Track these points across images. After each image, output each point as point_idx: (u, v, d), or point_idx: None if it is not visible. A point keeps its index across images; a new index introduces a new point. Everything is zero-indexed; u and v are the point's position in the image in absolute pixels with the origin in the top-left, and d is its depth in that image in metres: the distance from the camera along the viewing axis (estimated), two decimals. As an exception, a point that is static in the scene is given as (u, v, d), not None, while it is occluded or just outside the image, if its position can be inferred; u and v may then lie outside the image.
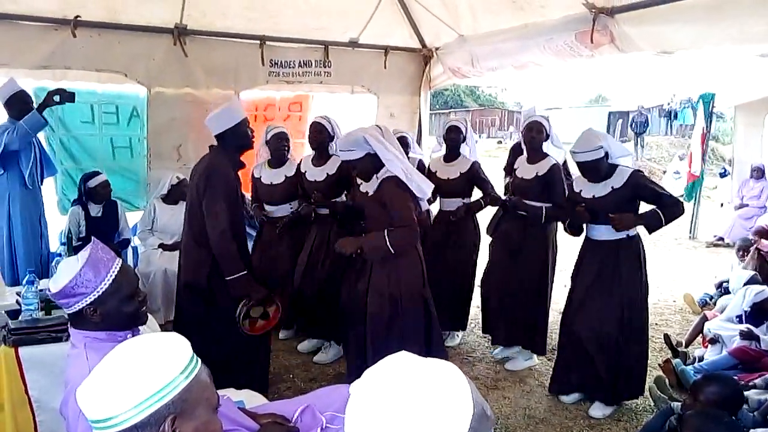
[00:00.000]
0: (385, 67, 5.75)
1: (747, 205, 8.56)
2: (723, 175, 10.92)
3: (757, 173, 8.65)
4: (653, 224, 3.35)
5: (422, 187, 3.19)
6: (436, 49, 5.70)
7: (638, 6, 3.60)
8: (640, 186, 3.36)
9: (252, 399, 2.52)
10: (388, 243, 3.07)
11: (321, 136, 4.20)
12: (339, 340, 4.18)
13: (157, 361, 1.17)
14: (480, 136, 27.45)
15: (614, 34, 3.82)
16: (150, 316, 2.58)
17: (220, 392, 2.28)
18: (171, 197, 4.81)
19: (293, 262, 4.31)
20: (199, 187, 3.10)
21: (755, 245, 5.55)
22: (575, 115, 25.36)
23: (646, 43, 3.77)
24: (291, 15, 4.97)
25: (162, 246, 4.73)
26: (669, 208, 3.35)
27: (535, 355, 4.27)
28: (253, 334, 3.25)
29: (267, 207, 4.43)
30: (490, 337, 4.58)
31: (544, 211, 3.93)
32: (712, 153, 14.69)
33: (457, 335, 4.72)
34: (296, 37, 5.28)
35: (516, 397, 3.82)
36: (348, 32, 5.42)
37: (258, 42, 5.11)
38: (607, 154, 3.38)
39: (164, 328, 4.07)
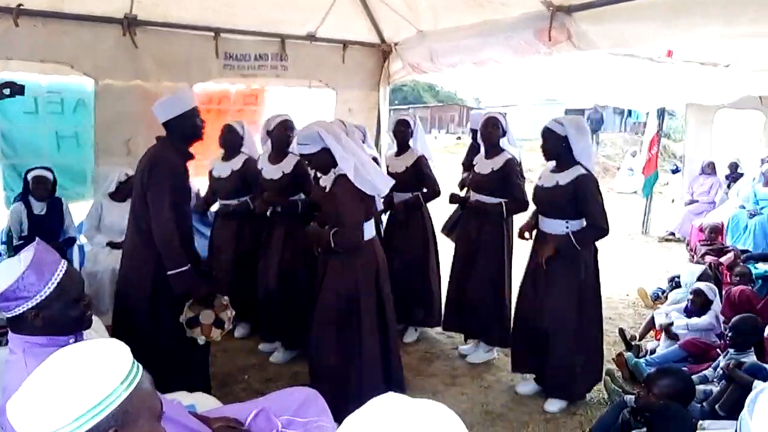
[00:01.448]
0: (343, 62, 5.67)
1: (697, 201, 8.78)
2: (674, 171, 11.22)
3: (707, 170, 8.88)
4: (569, 249, 3.39)
5: (376, 184, 3.12)
6: (396, 44, 5.66)
7: (595, 4, 3.63)
8: (580, 190, 3.37)
9: (205, 402, 2.44)
10: (332, 243, 3.06)
11: (230, 136, 4.35)
12: (293, 345, 4.13)
13: (96, 372, 1.10)
14: (439, 132, 27.63)
15: (571, 31, 3.84)
16: (96, 319, 2.47)
17: (171, 396, 2.20)
18: (119, 194, 4.63)
19: (250, 260, 4.22)
20: (144, 179, 2.97)
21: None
22: (532, 112, 25.74)
23: (602, 41, 3.80)
24: (247, 7, 4.85)
25: (110, 244, 4.56)
26: (589, 228, 3.39)
27: (495, 349, 4.30)
28: (208, 341, 3.14)
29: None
30: (449, 334, 4.60)
31: (504, 207, 3.96)
32: (664, 150, 15.10)
33: (416, 330, 4.71)
34: (252, 29, 5.16)
35: (474, 393, 3.83)
36: (305, 26, 5.33)
37: (212, 34, 4.97)
38: (569, 146, 3.41)
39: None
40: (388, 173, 4.35)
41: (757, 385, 2.65)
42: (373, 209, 3.21)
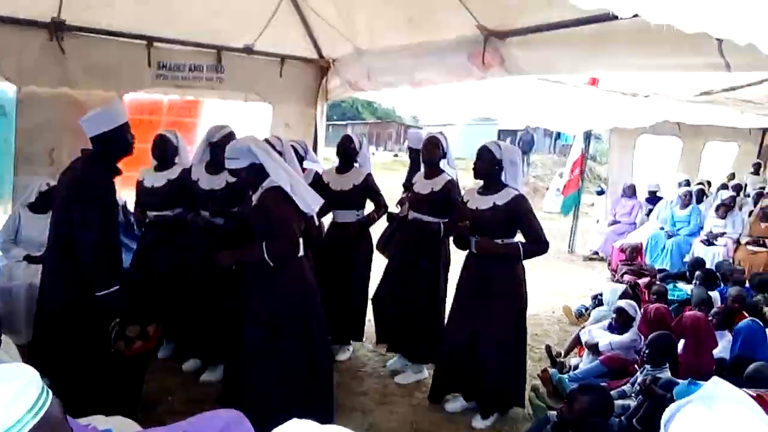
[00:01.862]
0: (280, 76, 5.65)
1: (619, 222, 9.19)
2: (600, 193, 11.72)
3: (629, 192, 9.32)
4: (512, 255, 3.50)
5: (307, 201, 3.09)
6: (334, 60, 5.69)
7: (525, 31, 3.75)
8: (517, 210, 3.48)
9: (122, 426, 2.33)
10: (266, 255, 2.97)
11: (164, 146, 4.14)
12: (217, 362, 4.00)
13: (1, 399, 1.03)
14: (377, 149, 27.77)
15: (504, 56, 3.95)
16: (7, 339, 2.33)
17: (86, 420, 2.09)
18: (39, 205, 4.40)
19: (179, 274, 4.09)
20: (70, 195, 2.85)
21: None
22: (467, 131, 26.35)
23: (533, 66, 3.94)
24: (182, 16, 4.76)
25: (27, 258, 4.31)
26: (533, 244, 3.51)
27: (425, 368, 4.32)
28: (131, 355, 3.02)
29: (202, 212, 4.06)
30: (381, 352, 4.60)
31: (442, 227, 4.01)
32: (590, 172, 15.78)
33: (348, 349, 4.68)
34: (188, 39, 5.06)
35: (404, 411, 3.84)
36: (243, 38, 5.28)
37: (145, 42, 4.85)
38: (501, 169, 3.52)
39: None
40: (331, 190, 4.33)
41: (675, 400, 2.79)
42: (302, 226, 3.16)
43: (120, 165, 3.13)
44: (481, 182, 3.67)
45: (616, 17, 1.48)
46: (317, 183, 4.41)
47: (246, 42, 5.30)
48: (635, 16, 1.43)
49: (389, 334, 4.36)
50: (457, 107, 8.32)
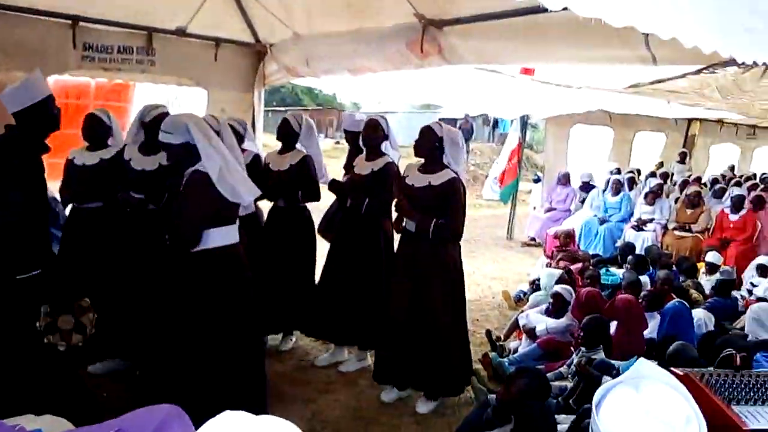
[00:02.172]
0: (215, 60, 5.48)
1: (555, 209, 9.48)
2: (536, 181, 12.01)
3: (563, 180, 9.61)
4: (422, 228, 3.53)
5: (238, 191, 2.99)
6: (271, 45, 5.57)
7: (463, 20, 3.78)
8: (446, 192, 3.50)
9: (54, 425, 2.22)
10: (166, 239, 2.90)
11: (96, 126, 3.92)
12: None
13: None
14: (318, 136, 27.53)
15: (442, 45, 3.97)
16: None
17: (14, 421, 1.98)
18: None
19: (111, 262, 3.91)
20: None
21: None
22: (408, 119, 26.51)
23: (470, 56, 3.97)
24: (110, -6, 4.55)
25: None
26: (445, 226, 3.51)
27: (369, 355, 4.32)
28: (68, 348, 2.87)
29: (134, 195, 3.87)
30: (323, 341, 4.58)
31: (365, 204, 3.98)
32: (527, 160, 16.18)
33: (291, 339, 4.64)
34: (116, 20, 4.83)
35: (347, 399, 3.84)
36: (175, 20, 5.08)
37: (69, 22, 4.60)
38: (441, 147, 3.53)
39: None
40: (270, 171, 4.27)
41: (605, 381, 2.90)
42: (235, 214, 3.07)
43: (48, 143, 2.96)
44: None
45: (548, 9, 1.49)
46: (255, 164, 4.33)
47: (178, 24, 5.11)
48: (565, 9, 1.45)
49: (331, 323, 4.31)
50: (399, 95, 8.34)
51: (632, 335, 4.10)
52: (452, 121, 22.52)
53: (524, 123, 9.81)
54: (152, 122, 3.76)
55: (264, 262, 4.27)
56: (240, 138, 4.30)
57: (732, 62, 3.20)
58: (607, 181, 8.71)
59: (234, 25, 5.38)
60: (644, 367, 1.40)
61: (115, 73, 5.08)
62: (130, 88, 5.60)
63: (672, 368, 2.53)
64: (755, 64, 2.29)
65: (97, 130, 3.94)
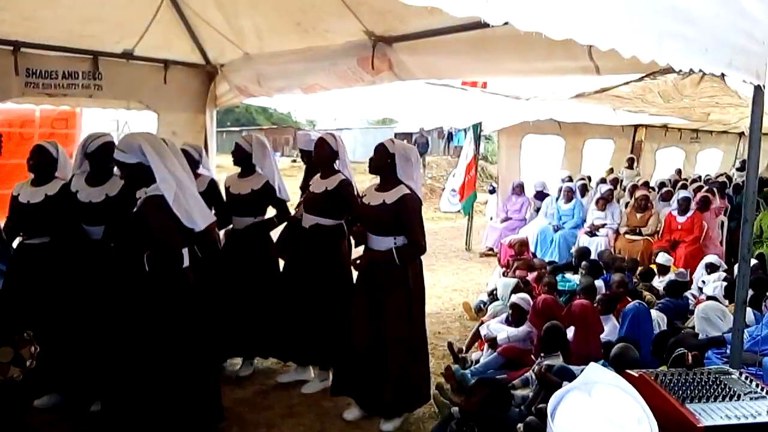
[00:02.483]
0: (165, 82, 5.40)
1: (511, 218, 9.64)
2: (492, 191, 12.21)
3: (517, 190, 9.79)
4: (394, 264, 3.54)
5: (193, 216, 2.96)
6: (221, 66, 5.52)
7: (412, 37, 3.84)
8: (403, 209, 3.52)
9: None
10: (146, 266, 2.85)
11: (42, 158, 3.79)
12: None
13: None
14: (274, 155, 27.35)
15: (392, 61, 4.03)
16: None
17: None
18: None
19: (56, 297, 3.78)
20: None
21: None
22: (364, 135, 26.66)
23: (421, 71, 4.05)
24: (51, 20, 4.41)
25: None
26: (409, 246, 3.54)
27: (331, 375, 4.28)
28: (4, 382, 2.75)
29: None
30: (285, 363, 4.51)
31: (344, 227, 3.98)
32: (482, 171, 16.43)
33: (252, 363, 4.54)
34: (59, 44, 4.72)
35: (311, 422, 3.79)
36: (122, 43, 4.99)
37: (11, 48, 4.47)
38: (394, 164, 3.56)
39: None
40: (231, 195, 4.25)
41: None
42: (188, 238, 3.03)
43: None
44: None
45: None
46: (212, 189, 4.27)
47: (125, 47, 5.02)
48: (506, 24, 1.49)
49: (292, 342, 4.26)
50: (354, 111, 8.39)
51: (589, 339, 4.17)
52: (408, 136, 22.78)
53: (478, 135, 9.98)
54: (96, 152, 3.70)
55: (223, 286, 4.23)
56: (195, 164, 4.25)
57: (671, 70, 3.34)
58: (560, 189, 8.92)
59: (183, 47, 5.32)
60: (595, 372, 1.43)
61: (60, 98, 4.94)
62: (77, 114, 5.45)
63: (627, 370, 2.59)
64: (691, 71, 2.39)
65: (43, 163, 3.82)
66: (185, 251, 3.01)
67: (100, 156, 3.70)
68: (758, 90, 2.70)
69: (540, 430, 2.82)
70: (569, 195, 8.72)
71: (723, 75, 2.58)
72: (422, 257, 3.74)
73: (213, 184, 4.42)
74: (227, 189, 4.36)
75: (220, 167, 6.88)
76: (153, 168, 2.87)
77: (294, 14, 4.13)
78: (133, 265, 2.93)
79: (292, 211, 4.56)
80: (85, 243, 3.70)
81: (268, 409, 3.96)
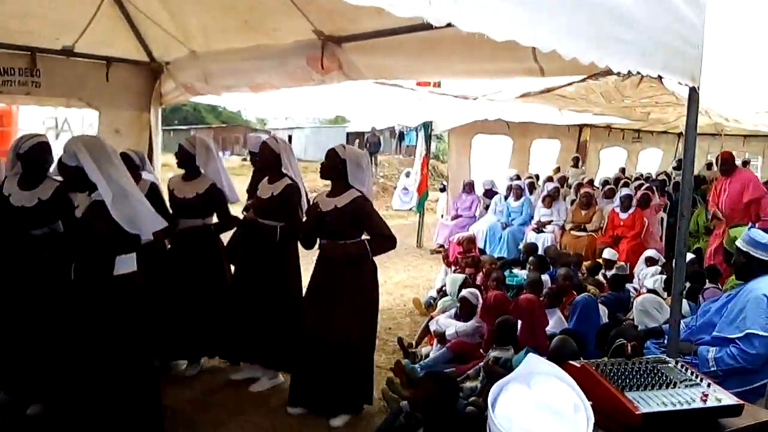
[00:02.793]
0: (107, 80, 5.25)
1: (461, 216, 9.78)
2: (442, 189, 12.36)
3: (468, 188, 9.94)
4: (360, 254, 3.59)
5: (137, 223, 2.89)
6: (167, 63, 5.40)
7: (361, 37, 3.84)
8: (358, 211, 3.58)
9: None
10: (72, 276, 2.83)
11: None
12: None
13: None
14: (224, 154, 26.95)
15: (342, 61, 4.02)
16: None
17: None
18: None
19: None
20: None
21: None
22: (316, 134, 26.55)
23: (370, 71, 4.06)
24: (-16, 16, 4.24)
25: None
26: (378, 240, 3.62)
27: (280, 374, 4.26)
28: None
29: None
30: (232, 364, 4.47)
31: (278, 230, 3.95)
32: (433, 170, 16.60)
33: (199, 363, 4.48)
34: (-7, 40, 4.54)
35: (260, 420, 3.77)
36: (61, 39, 4.81)
37: (-59, 43, 4.28)
38: (345, 170, 3.60)
39: None
40: (175, 198, 4.19)
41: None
42: (134, 243, 2.97)
43: None
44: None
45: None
46: (153, 193, 4.19)
47: (64, 43, 4.84)
48: (449, 25, 1.52)
49: (242, 344, 4.22)
50: (306, 109, 8.35)
51: (536, 332, 4.28)
52: (360, 135, 22.85)
53: (428, 135, 10.09)
54: (28, 152, 3.56)
55: (170, 286, 4.16)
56: (136, 168, 4.16)
57: (612, 71, 3.46)
58: (509, 187, 9.12)
59: (126, 44, 5.17)
60: (534, 363, 1.48)
61: (-4, 96, 4.76)
62: (12, 112, 5.24)
63: (570, 361, 2.68)
64: (630, 73, 2.49)
65: None
66: (130, 257, 2.95)
67: (32, 157, 3.57)
68: (693, 91, 2.83)
69: (480, 421, 2.89)
70: (518, 193, 8.96)
71: (660, 77, 2.70)
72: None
73: (154, 187, 4.34)
74: (171, 192, 4.28)
75: (167, 166, 6.73)
76: (87, 172, 2.81)
77: (241, 12, 4.08)
78: (64, 271, 2.86)
79: (240, 213, 4.52)
80: (20, 246, 3.56)
81: (216, 407, 3.92)
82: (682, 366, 2.70)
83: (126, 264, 2.95)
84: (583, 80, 4.34)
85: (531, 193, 9.29)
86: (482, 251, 7.81)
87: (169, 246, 4.34)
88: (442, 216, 10.73)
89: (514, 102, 5.94)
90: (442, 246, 9.71)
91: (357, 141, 24.16)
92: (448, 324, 4.72)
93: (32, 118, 5.47)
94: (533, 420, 1.36)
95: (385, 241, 3.63)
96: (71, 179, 2.87)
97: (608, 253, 6.48)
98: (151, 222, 2.99)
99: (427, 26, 3.21)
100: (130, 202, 2.86)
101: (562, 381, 1.45)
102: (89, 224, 2.82)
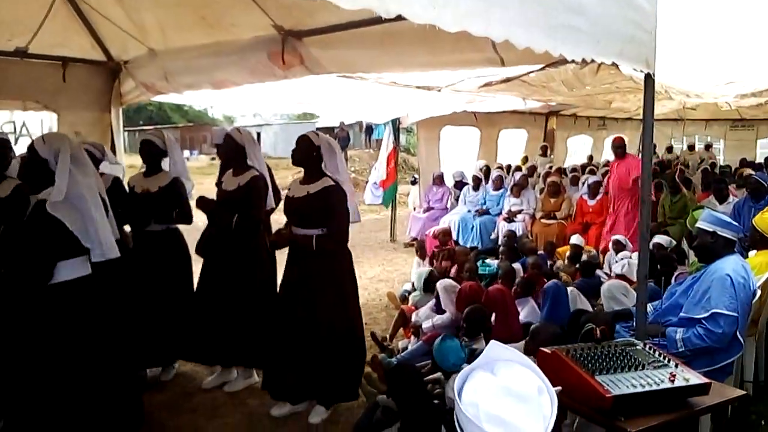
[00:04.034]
0: (64, 81, 5.12)
1: (433, 208, 9.81)
2: (413, 182, 12.40)
3: (438, 180, 9.98)
4: (304, 244, 3.55)
5: (94, 243, 2.83)
6: (125, 62, 5.28)
7: (322, 31, 3.80)
8: (327, 199, 3.54)
9: None
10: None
11: None
12: None
13: None
14: (191, 154, 26.62)
15: (303, 56, 3.97)
16: None
17: None
18: None
19: None
20: None
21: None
22: (285, 131, 26.39)
23: (332, 65, 4.02)
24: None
25: None
26: (328, 236, 3.54)
27: (255, 372, 4.22)
28: None
29: None
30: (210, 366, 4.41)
31: (234, 220, 3.90)
32: (404, 163, 16.63)
33: (173, 367, 4.42)
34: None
35: (237, 422, 3.74)
36: (14, 41, 4.67)
37: None
38: (319, 156, 3.60)
39: None
40: (136, 194, 4.12)
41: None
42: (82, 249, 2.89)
43: None
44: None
45: (400, 18, 1.55)
46: (116, 188, 4.12)
47: (18, 45, 4.69)
48: (400, 17, 1.51)
49: (214, 344, 4.16)
50: (273, 106, 8.28)
51: (509, 322, 4.32)
52: (329, 130, 22.73)
53: (396, 128, 10.08)
54: None
55: (137, 290, 4.07)
56: (97, 162, 4.08)
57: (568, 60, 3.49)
58: (475, 177, 9.19)
59: (82, 43, 5.03)
60: (495, 350, 1.50)
61: (-50, 100, 4.62)
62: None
63: (541, 348, 2.70)
64: (584, 60, 2.51)
65: None
66: (76, 261, 2.87)
67: None
68: (648, 77, 2.87)
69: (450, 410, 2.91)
70: (498, 183, 9.11)
71: (615, 64, 2.73)
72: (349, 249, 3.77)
73: (117, 181, 4.27)
74: (132, 188, 4.22)
75: (133, 167, 6.61)
76: (56, 176, 2.74)
77: (197, 8, 4.00)
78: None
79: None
80: None
81: (191, 411, 3.88)
82: (650, 348, 2.75)
83: (71, 270, 2.86)
84: (542, 69, 4.37)
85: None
86: (455, 243, 7.85)
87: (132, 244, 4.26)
88: (414, 209, 10.75)
89: (478, 93, 5.96)
90: (415, 239, 9.73)
91: (327, 136, 24.13)
92: (427, 316, 4.73)
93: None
94: (499, 405, 1.38)
95: (333, 238, 3.55)
96: (32, 170, 2.80)
97: (576, 239, 6.54)
98: (108, 248, 2.90)
99: (387, 19, 3.23)
100: (95, 220, 2.79)
101: (524, 366, 1.47)
102: (35, 229, 2.73)
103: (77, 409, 2.84)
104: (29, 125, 5.53)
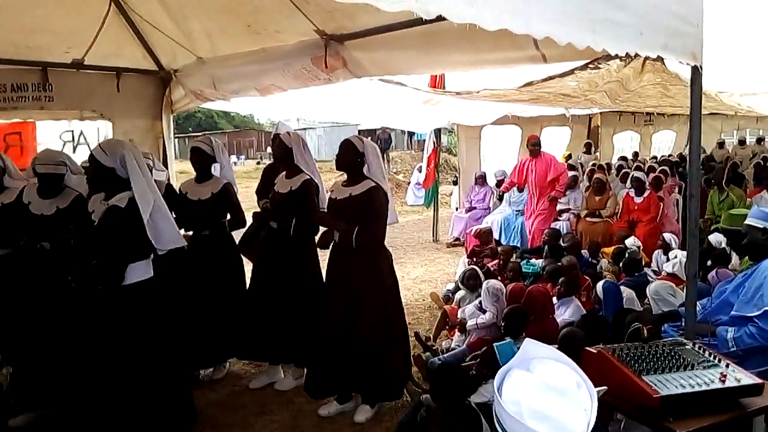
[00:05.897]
0: (118, 90, 5.33)
1: (475, 208, 9.77)
2: (455, 183, 12.34)
3: (480, 180, 9.93)
4: (345, 238, 3.62)
5: (161, 239, 2.96)
6: (175, 71, 5.46)
7: (363, 34, 3.86)
8: (369, 200, 3.60)
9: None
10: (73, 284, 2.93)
11: None
12: None
13: None
14: (238, 159, 27.14)
15: (346, 59, 4.04)
16: None
17: None
18: None
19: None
20: None
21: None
22: (329, 134, 26.64)
23: (374, 67, 4.07)
24: (-5, 33, 4.33)
25: None
26: (364, 232, 3.58)
27: (304, 371, 4.29)
28: None
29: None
30: (256, 363, 4.52)
31: (293, 224, 3.98)
32: (445, 163, 16.56)
33: (225, 366, 4.54)
34: (6, 57, 4.63)
35: (284, 420, 3.82)
36: (71, 53, 4.89)
37: (-45, 62, 4.38)
38: (363, 162, 3.67)
39: None
40: (188, 200, 4.24)
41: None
42: (151, 249, 3.02)
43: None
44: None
45: (440, 18, 1.57)
46: (169, 194, 4.25)
47: (74, 57, 4.92)
48: (440, 17, 1.53)
49: (264, 342, 4.25)
50: (317, 111, 8.36)
51: (545, 323, 4.25)
52: (371, 132, 22.83)
53: (438, 129, 10.07)
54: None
55: (190, 292, 4.19)
56: (150, 170, 4.23)
57: (612, 56, 3.43)
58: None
59: (134, 54, 5.24)
60: (531, 348, 1.51)
61: (11, 111, 4.89)
62: (30, 127, 5.37)
63: (586, 348, 2.68)
64: (627, 55, 2.48)
65: None
66: (143, 263, 3.00)
67: (48, 178, 3.71)
68: (695, 70, 2.81)
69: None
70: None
71: (661, 58, 2.68)
72: (391, 250, 3.84)
73: (169, 188, 4.42)
74: (184, 195, 4.32)
75: (185, 173, 6.83)
76: (132, 182, 2.89)
77: (243, 16, 4.12)
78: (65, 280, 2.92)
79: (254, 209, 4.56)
80: (40, 255, 3.66)
81: (241, 408, 3.98)
82: (699, 348, 2.69)
83: (139, 272, 2.99)
84: (584, 67, 4.29)
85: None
86: (498, 242, 7.79)
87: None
88: (456, 209, 10.71)
89: (520, 94, 5.88)
90: (457, 239, 9.71)
91: (369, 138, 24.25)
92: (471, 314, 4.72)
93: (49, 132, 5.56)
94: (541, 400, 1.39)
95: (365, 237, 3.59)
96: (101, 179, 2.93)
97: (631, 242, 6.36)
98: (174, 239, 3.06)
99: (424, 20, 3.26)
100: (163, 217, 2.93)
101: (560, 362, 1.48)
102: (108, 232, 2.86)
103: (135, 406, 2.96)
104: (87, 134, 5.76)
